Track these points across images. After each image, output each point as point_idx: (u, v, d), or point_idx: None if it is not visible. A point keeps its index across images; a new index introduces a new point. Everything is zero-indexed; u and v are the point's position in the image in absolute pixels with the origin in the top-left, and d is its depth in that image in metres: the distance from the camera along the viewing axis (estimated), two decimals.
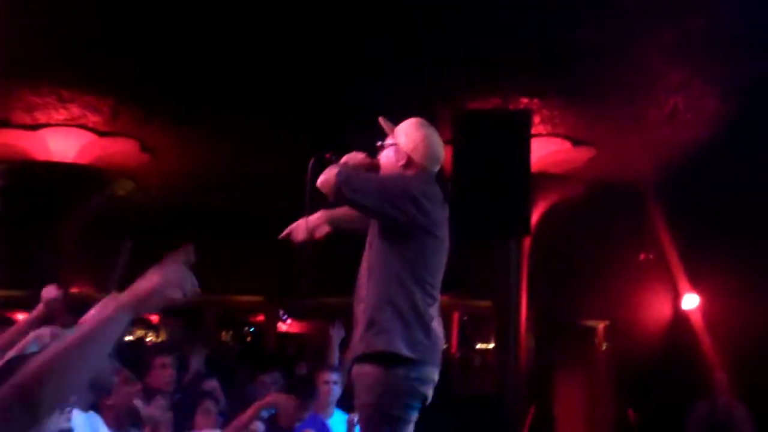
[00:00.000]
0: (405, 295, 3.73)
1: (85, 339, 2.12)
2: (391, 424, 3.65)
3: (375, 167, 3.95)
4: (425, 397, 3.73)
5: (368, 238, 3.90)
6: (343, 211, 4.03)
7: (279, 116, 9.27)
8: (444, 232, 3.86)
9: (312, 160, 3.87)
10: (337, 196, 3.75)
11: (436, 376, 3.77)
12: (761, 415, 8.91)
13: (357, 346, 3.75)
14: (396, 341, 3.65)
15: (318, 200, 3.90)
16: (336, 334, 7.06)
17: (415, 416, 3.72)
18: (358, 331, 3.77)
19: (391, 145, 3.96)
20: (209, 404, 5.36)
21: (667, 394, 10.70)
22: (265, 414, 5.27)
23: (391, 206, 3.70)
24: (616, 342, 13.21)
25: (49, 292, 4.30)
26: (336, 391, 6.34)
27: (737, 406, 8.92)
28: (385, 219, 3.76)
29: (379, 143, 3.99)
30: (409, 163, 3.90)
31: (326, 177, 3.73)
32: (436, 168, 3.99)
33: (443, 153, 4.02)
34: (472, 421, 9.31)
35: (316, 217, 4.05)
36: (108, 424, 4.30)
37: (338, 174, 3.69)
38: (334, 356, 7.07)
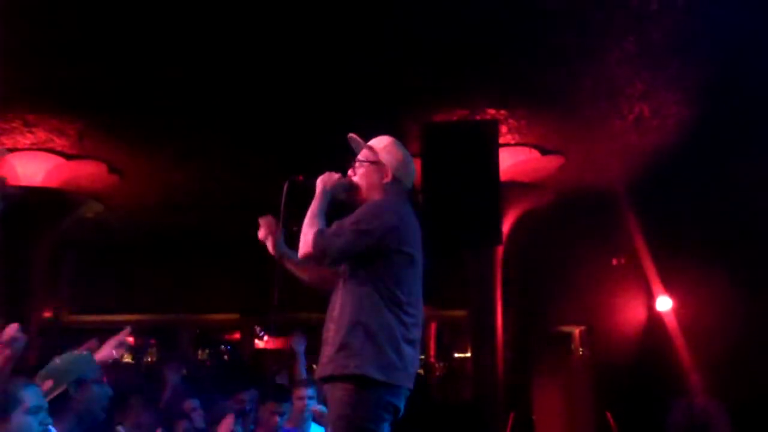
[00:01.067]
0: (377, 318, 3.71)
1: None
2: None
3: (352, 186, 3.94)
4: (398, 410, 3.73)
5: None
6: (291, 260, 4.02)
7: (246, 136, 9.26)
8: (418, 250, 3.85)
9: (286, 184, 3.88)
10: (323, 261, 3.75)
11: (408, 392, 3.76)
12: (737, 413, 8.97)
13: (326, 367, 3.71)
14: (366, 365, 3.62)
15: (291, 223, 3.90)
16: (298, 346, 7.08)
17: (387, 429, 3.71)
18: (328, 350, 3.73)
19: (367, 162, 3.95)
20: (185, 423, 5.36)
21: (644, 395, 10.75)
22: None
23: (371, 245, 3.70)
24: (593, 346, 13.29)
25: (10, 332, 4.14)
26: (311, 405, 6.35)
27: (715, 405, 8.97)
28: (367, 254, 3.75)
29: (358, 161, 3.96)
30: (394, 180, 3.92)
31: (305, 250, 3.72)
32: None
33: None
34: (452, 430, 9.33)
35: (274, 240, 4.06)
36: None
37: (315, 243, 3.68)
38: (301, 368, 7.10)
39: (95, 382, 3.95)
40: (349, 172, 3.99)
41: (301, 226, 3.79)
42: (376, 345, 3.67)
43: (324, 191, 3.84)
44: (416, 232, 3.86)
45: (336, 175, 3.91)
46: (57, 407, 3.81)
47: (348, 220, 3.75)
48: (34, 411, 3.04)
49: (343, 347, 3.68)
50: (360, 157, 3.98)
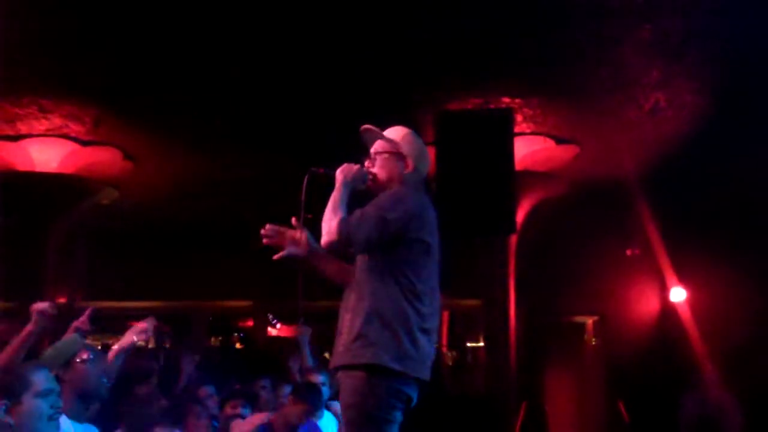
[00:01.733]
0: (394, 307, 3.70)
1: None
2: (375, 425, 3.64)
3: (372, 177, 3.92)
4: (410, 399, 3.73)
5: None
6: (323, 255, 3.97)
7: (259, 125, 9.26)
8: (435, 238, 3.85)
9: (306, 176, 3.87)
10: (347, 249, 3.74)
11: (423, 383, 3.75)
12: (750, 406, 8.93)
13: (342, 356, 3.71)
14: (383, 355, 3.62)
15: (311, 216, 3.88)
16: (302, 337, 7.08)
17: (399, 417, 3.71)
18: (343, 339, 3.73)
19: (387, 153, 3.95)
20: (199, 409, 5.35)
21: (656, 387, 10.72)
22: None
23: (395, 233, 3.69)
24: (606, 337, 13.27)
25: (40, 305, 4.32)
26: (324, 392, 6.35)
27: (727, 397, 8.94)
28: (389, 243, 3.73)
29: (377, 152, 3.95)
30: (415, 170, 3.93)
31: (328, 238, 3.67)
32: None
33: None
34: (464, 419, 9.34)
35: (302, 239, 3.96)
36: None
37: (339, 231, 3.65)
38: (307, 358, 7.10)
39: (85, 362, 3.98)
40: (367, 163, 3.97)
41: (315, 215, 3.79)
42: (392, 334, 3.67)
43: (345, 182, 3.81)
44: (434, 222, 3.86)
45: (356, 167, 3.88)
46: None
47: (371, 208, 3.72)
48: (44, 394, 3.07)
49: (359, 336, 3.68)
50: (379, 148, 3.96)
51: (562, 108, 9.01)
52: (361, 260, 3.82)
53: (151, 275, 13.22)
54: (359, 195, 3.93)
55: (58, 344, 4.15)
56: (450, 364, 14.92)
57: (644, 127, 9.34)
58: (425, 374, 3.74)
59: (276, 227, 3.96)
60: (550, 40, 7.46)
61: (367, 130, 3.98)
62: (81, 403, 3.95)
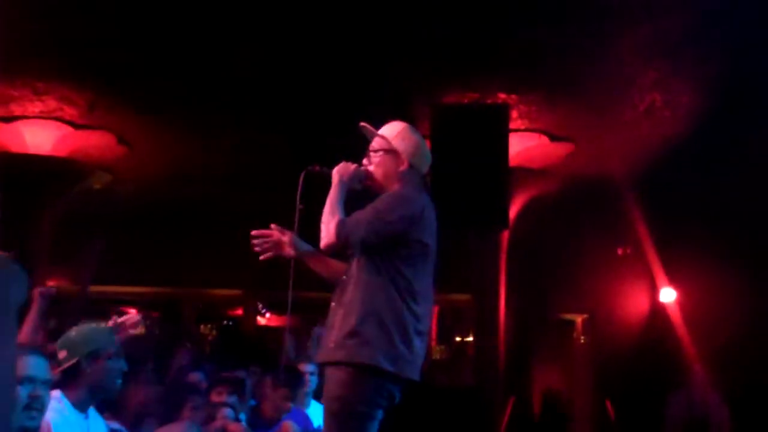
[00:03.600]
0: (391, 307, 3.68)
1: None
2: (357, 420, 3.63)
3: (368, 176, 3.89)
4: (394, 398, 3.72)
5: None
6: (311, 255, 3.97)
7: (255, 113, 9.24)
8: (434, 240, 3.83)
9: (302, 175, 3.86)
10: (345, 250, 3.75)
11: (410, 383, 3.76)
12: (737, 406, 8.98)
13: (333, 352, 3.67)
14: (378, 355, 3.60)
15: (303, 207, 3.88)
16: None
17: (380, 414, 3.70)
18: (334, 335, 3.69)
19: (382, 150, 3.90)
20: (197, 399, 5.35)
21: (645, 386, 10.76)
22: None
23: (393, 235, 3.68)
24: (595, 335, 13.30)
25: (42, 288, 4.35)
26: (312, 382, 6.37)
27: (714, 397, 8.99)
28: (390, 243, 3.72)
29: (372, 150, 3.90)
30: (410, 167, 3.87)
31: (327, 240, 3.67)
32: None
33: None
34: (451, 413, 9.34)
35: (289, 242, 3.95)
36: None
37: (337, 234, 3.65)
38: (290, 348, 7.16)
39: (110, 357, 3.92)
40: (364, 161, 3.93)
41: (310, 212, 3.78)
42: (388, 336, 3.65)
43: (341, 182, 3.79)
44: (434, 223, 3.83)
45: (352, 166, 3.85)
46: (69, 378, 3.83)
47: (370, 210, 3.70)
48: (23, 381, 3.01)
49: (354, 334, 3.64)
50: (374, 146, 3.92)
51: (557, 106, 9.01)
52: (359, 258, 3.77)
53: (142, 261, 13.20)
54: (359, 194, 3.92)
55: (86, 330, 4.04)
56: (438, 357, 14.94)
57: (639, 127, 9.35)
58: (416, 375, 3.73)
59: (263, 233, 3.95)
60: (548, 38, 7.46)
61: (363, 127, 3.94)
62: (90, 397, 3.90)
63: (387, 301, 3.69)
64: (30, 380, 3.17)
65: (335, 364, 3.67)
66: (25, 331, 4.31)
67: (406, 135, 3.92)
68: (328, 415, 3.68)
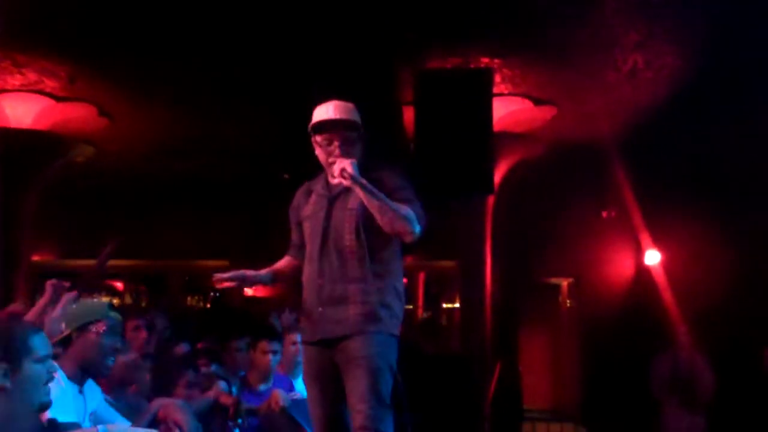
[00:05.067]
0: (399, 276, 4.00)
1: None
2: (391, 377, 3.88)
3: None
4: None
5: (351, 216, 3.97)
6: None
7: (238, 82, 9.16)
8: None
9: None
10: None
11: None
12: (722, 367, 9.06)
13: (363, 325, 3.85)
14: (398, 324, 3.92)
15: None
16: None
17: None
18: (354, 309, 3.88)
19: (357, 132, 4.04)
20: (191, 375, 5.37)
21: (630, 348, 10.84)
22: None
23: None
24: (580, 299, 13.37)
25: (54, 281, 4.39)
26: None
27: (699, 358, 9.06)
28: None
29: (350, 137, 4.02)
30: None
31: (416, 231, 3.84)
32: None
33: None
34: (439, 380, 9.38)
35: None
36: (107, 393, 4.28)
37: (419, 222, 3.84)
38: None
39: (101, 333, 3.91)
40: (341, 150, 3.99)
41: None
42: (401, 303, 3.98)
43: (359, 179, 3.80)
44: None
45: (350, 160, 3.87)
46: (62, 350, 3.85)
47: (410, 193, 3.93)
48: (43, 359, 3.04)
49: (385, 306, 3.90)
50: (353, 134, 4.03)
51: (541, 69, 8.99)
52: (366, 231, 3.93)
53: (127, 234, 13.14)
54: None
55: (82, 304, 4.09)
56: (423, 324, 14.98)
57: (622, 90, 9.35)
58: None
59: (229, 276, 4.07)
60: (530, 1, 7.43)
61: (350, 121, 4.04)
62: (82, 371, 3.89)
63: (398, 270, 4.01)
64: (46, 357, 3.20)
65: (366, 334, 3.85)
66: (31, 316, 4.34)
67: (356, 111, 4.07)
68: (371, 371, 3.80)
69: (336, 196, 4.06)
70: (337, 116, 3.99)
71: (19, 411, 2.80)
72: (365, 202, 3.82)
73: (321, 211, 4.06)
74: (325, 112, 4.01)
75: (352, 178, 3.76)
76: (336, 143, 3.98)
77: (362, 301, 3.85)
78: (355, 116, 4.04)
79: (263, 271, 4.22)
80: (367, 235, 3.90)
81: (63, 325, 3.90)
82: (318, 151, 4.08)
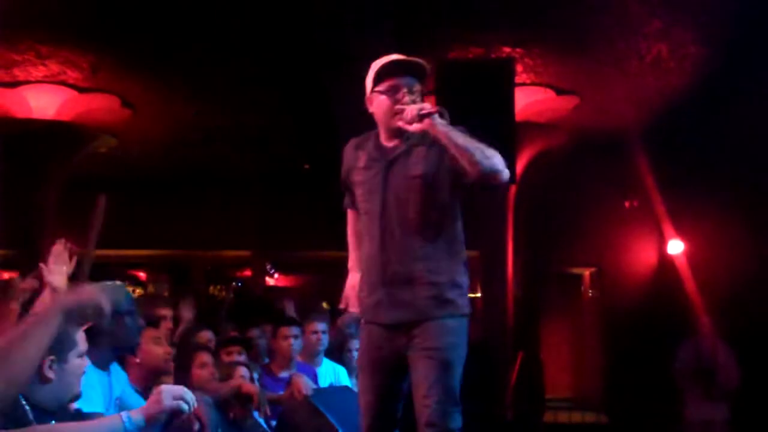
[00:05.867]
0: (464, 251, 3.75)
1: (25, 336, 2.26)
2: (461, 365, 3.69)
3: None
4: None
5: (416, 186, 3.67)
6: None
7: (257, 71, 9.17)
8: None
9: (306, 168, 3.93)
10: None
11: None
12: (746, 356, 9.02)
13: (436, 309, 3.59)
14: (468, 302, 3.72)
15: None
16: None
17: None
18: (424, 291, 3.59)
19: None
20: (205, 357, 5.36)
21: (653, 338, 10.80)
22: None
23: None
24: (603, 288, 13.31)
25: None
26: (324, 340, 6.37)
27: (722, 348, 9.02)
28: None
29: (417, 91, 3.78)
30: None
31: (500, 166, 3.64)
32: None
33: None
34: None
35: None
36: (134, 382, 4.31)
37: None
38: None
39: (127, 314, 3.97)
40: (410, 98, 3.71)
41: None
42: (469, 279, 3.75)
43: (441, 119, 3.61)
44: None
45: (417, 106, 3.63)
46: (89, 338, 3.87)
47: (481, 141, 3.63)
48: (83, 355, 3.08)
49: (456, 285, 3.65)
50: (420, 85, 3.77)
51: (562, 58, 8.95)
52: (431, 207, 3.67)
53: (150, 224, 13.21)
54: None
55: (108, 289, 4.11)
56: None
57: (645, 78, 9.29)
58: None
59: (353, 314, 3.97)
60: None
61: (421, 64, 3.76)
62: (111, 353, 3.94)
63: (464, 245, 3.74)
64: (85, 353, 3.23)
65: (441, 317, 3.61)
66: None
67: None
68: (444, 363, 3.60)
69: (392, 160, 3.72)
70: (405, 58, 3.70)
71: (56, 402, 2.84)
72: (447, 142, 3.52)
73: (376, 177, 3.71)
74: (388, 58, 3.70)
75: (433, 116, 3.50)
76: (403, 90, 3.67)
77: (431, 282, 3.58)
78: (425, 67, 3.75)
79: (354, 272, 3.87)
80: (434, 208, 3.66)
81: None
82: (376, 105, 3.74)
